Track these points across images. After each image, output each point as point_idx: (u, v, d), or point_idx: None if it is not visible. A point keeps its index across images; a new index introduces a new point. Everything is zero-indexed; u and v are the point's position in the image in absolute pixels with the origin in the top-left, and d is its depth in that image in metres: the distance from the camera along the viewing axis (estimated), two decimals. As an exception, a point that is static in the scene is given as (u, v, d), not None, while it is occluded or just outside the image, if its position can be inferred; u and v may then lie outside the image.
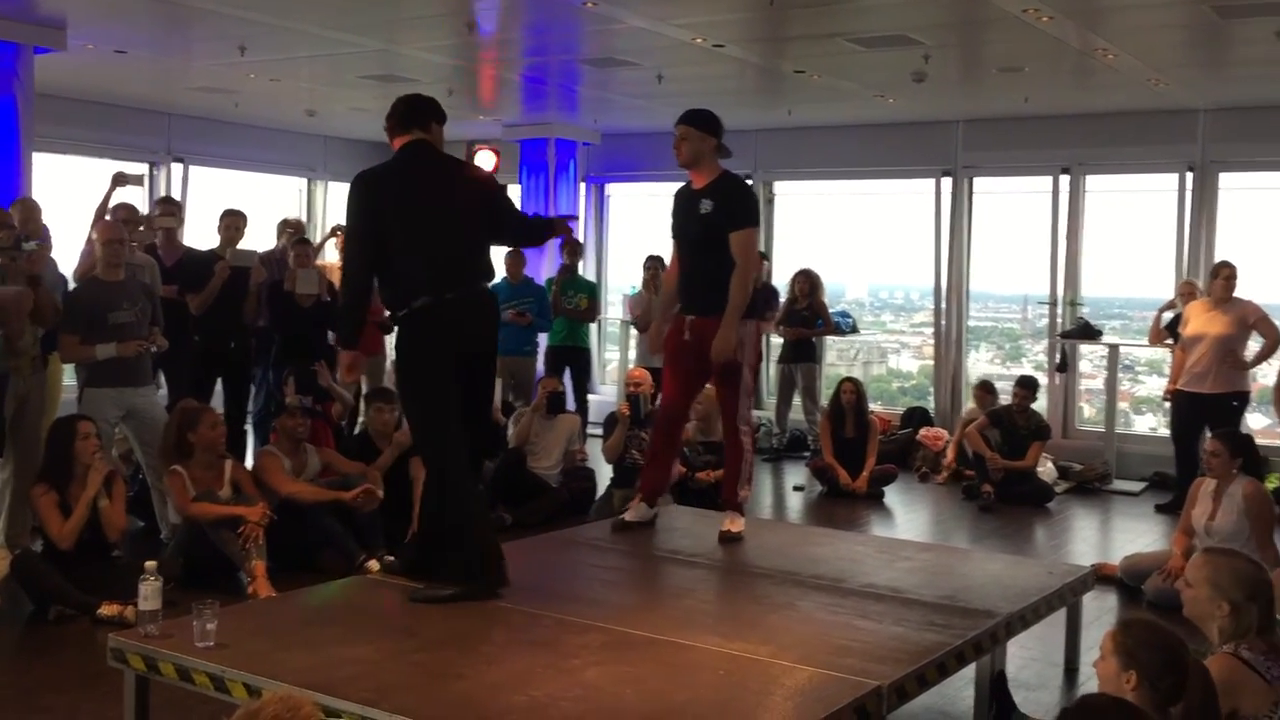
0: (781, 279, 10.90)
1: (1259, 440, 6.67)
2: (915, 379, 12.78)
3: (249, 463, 6.98)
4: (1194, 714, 2.76)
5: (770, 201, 11.91)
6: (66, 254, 7.43)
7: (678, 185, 5.34)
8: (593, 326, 10.83)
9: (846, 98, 9.53)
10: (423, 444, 4.51)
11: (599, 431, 8.80)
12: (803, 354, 10.27)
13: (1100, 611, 5.75)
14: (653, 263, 9.84)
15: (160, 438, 6.28)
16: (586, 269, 11.66)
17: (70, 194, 9.25)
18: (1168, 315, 9.14)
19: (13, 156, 7.54)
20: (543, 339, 9.86)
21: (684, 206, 5.26)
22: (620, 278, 12.72)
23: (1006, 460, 8.68)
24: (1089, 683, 4.56)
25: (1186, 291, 9.03)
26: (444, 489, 4.32)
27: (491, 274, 4.54)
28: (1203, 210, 9.90)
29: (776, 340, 10.60)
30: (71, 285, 7.05)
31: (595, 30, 7.55)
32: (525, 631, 3.89)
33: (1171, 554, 6.13)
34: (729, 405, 5.33)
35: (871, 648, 3.76)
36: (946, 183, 10.89)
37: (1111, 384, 9.86)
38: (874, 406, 9.81)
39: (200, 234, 8.61)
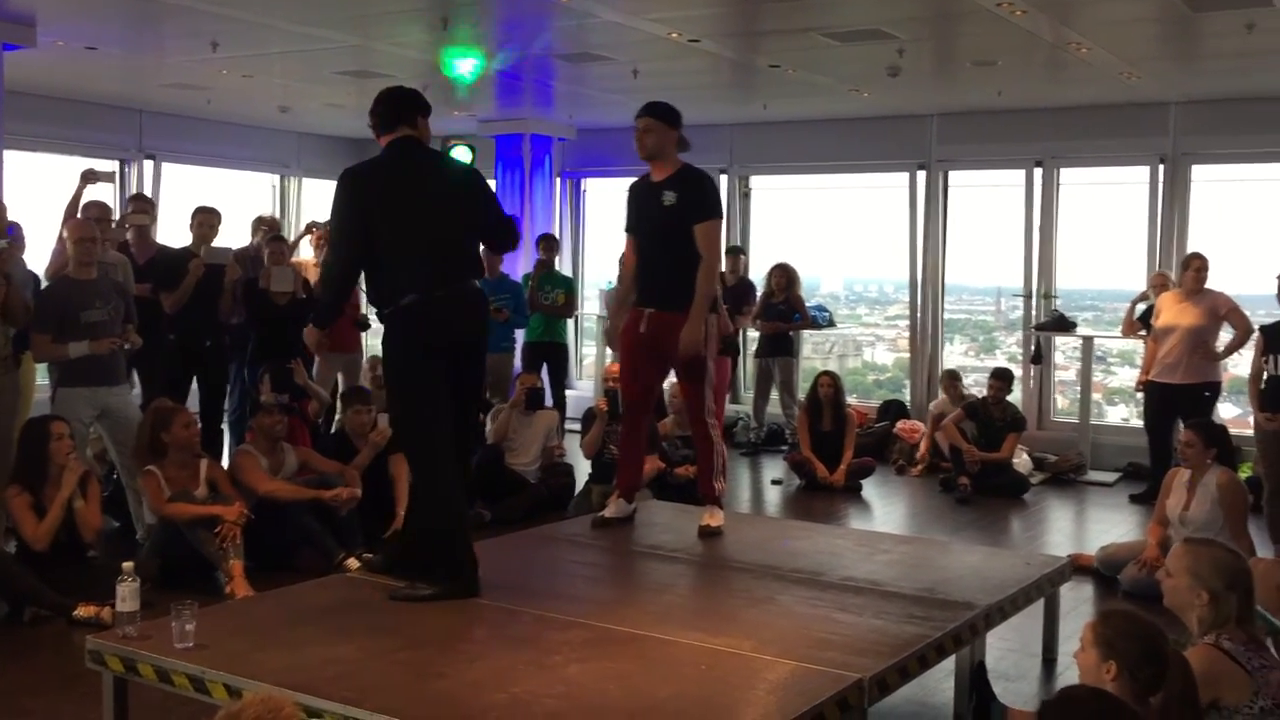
0: (758, 273, 10.92)
1: (1230, 430, 6.72)
2: (891, 372, 12.83)
3: (226, 462, 6.93)
4: (1173, 704, 2.79)
5: (746, 196, 11.91)
6: (37, 253, 7.37)
7: (652, 180, 5.30)
8: (570, 322, 10.84)
9: (821, 92, 9.54)
10: (408, 443, 4.46)
11: (577, 427, 8.79)
12: (780, 348, 10.31)
13: (1077, 602, 5.79)
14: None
15: (134, 437, 6.23)
16: (563, 264, 11.63)
17: (41, 192, 9.15)
18: (1141, 307, 9.19)
19: (-18, 154, 7.48)
20: (519, 335, 9.85)
21: (643, 199, 5.20)
22: (597, 273, 12.69)
23: (982, 452, 8.74)
24: (1067, 673, 4.60)
25: (1159, 283, 9.10)
26: (429, 488, 4.28)
27: (480, 270, 4.51)
28: (1175, 202, 9.98)
29: (753, 334, 10.63)
30: (44, 284, 6.98)
31: (570, 25, 7.53)
32: (506, 629, 3.89)
33: (1147, 544, 6.18)
34: (694, 400, 5.29)
35: (852, 641, 3.78)
36: (921, 176, 10.93)
37: (1085, 375, 9.91)
38: (850, 400, 9.85)
39: (173, 232, 8.53)
